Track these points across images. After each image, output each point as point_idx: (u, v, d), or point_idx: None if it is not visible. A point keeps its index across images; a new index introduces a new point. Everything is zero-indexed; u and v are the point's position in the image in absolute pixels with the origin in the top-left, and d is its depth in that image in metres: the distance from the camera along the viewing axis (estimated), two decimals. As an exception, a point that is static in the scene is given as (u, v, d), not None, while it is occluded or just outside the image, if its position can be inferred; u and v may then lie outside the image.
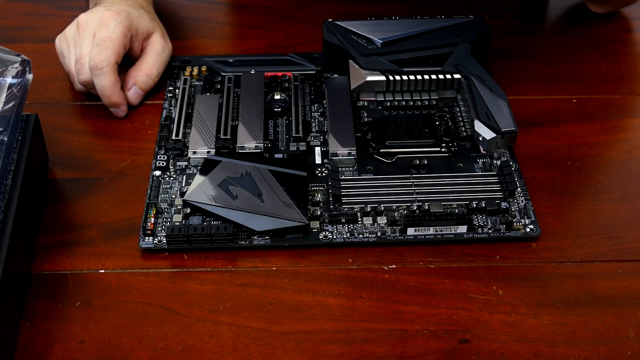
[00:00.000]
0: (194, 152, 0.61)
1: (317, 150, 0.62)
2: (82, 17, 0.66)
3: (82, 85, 0.67)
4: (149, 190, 0.58)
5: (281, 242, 0.55)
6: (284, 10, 0.79)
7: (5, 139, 0.53)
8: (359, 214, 0.57)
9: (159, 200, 0.58)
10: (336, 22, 0.68)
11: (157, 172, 0.60)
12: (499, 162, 0.60)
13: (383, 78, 0.65)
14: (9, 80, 0.55)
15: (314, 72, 0.69)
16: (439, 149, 0.61)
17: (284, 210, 0.55)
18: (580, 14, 0.78)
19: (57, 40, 0.68)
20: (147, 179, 0.60)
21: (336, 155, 0.60)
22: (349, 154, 0.60)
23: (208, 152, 0.60)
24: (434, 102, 0.65)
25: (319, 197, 0.58)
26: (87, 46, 0.65)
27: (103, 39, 0.64)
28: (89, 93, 0.67)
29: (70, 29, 0.67)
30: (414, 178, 0.59)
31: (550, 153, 0.63)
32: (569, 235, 0.56)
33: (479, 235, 0.55)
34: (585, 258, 0.55)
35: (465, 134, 0.63)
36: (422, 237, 0.55)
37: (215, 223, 0.56)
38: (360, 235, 0.56)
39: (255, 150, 0.61)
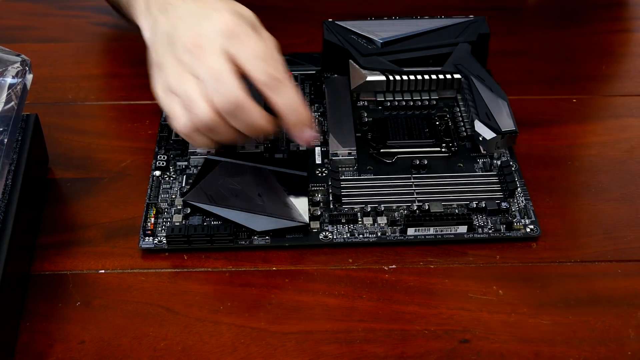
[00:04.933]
0: (194, 152, 0.61)
1: (317, 150, 0.62)
2: (202, 30, 0.51)
3: (210, 125, 0.51)
4: (149, 190, 0.58)
5: (281, 242, 0.55)
6: (284, 10, 0.79)
7: (5, 139, 0.53)
8: (359, 214, 0.57)
9: (159, 200, 0.58)
10: (336, 22, 0.68)
11: (157, 172, 0.60)
12: (499, 162, 0.60)
13: (383, 78, 0.65)
14: (9, 80, 0.55)
15: (314, 72, 0.69)
16: (439, 149, 0.61)
17: (284, 210, 0.55)
18: (581, 14, 0.78)
19: (157, 88, 0.54)
20: (147, 179, 0.60)
21: (336, 155, 0.60)
22: (349, 154, 0.60)
23: (208, 152, 0.60)
24: (434, 102, 0.65)
25: (319, 197, 0.58)
26: (217, 62, 0.50)
27: (269, 48, 0.52)
28: (88, 93, 0.67)
29: (169, 53, 0.52)
30: (414, 178, 0.59)
31: (550, 153, 0.63)
32: (569, 235, 0.56)
33: (479, 235, 0.55)
34: (585, 258, 0.55)
35: (465, 134, 0.63)
36: (422, 237, 0.55)
37: (215, 223, 0.56)
38: (360, 235, 0.56)
39: (256, 150, 0.61)
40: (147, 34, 0.56)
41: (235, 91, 0.49)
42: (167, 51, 0.53)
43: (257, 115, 0.51)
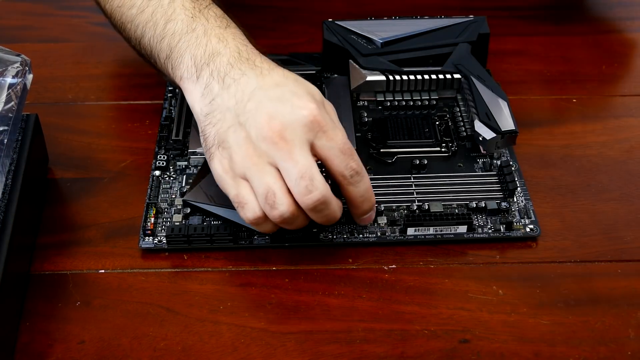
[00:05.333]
0: (194, 152, 0.61)
1: (317, 150, 0.62)
2: (272, 121, 0.48)
3: (292, 216, 0.49)
4: (149, 190, 0.58)
5: (281, 242, 0.55)
6: (284, 10, 0.79)
7: (6, 139, 0.53)
8: (359, 214, 0.57)
9: (159, 200, 0.58)
10: (336, 22, 0.68)
11: (157, 172, 0.60)
12: (499, 162, 0.60)
13: (383, 78, 0.65)
14: (9, 80, 0.55)
15: (314, 72, 0.69)
16: (439, 149, 0.61)
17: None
18: (580, 14, 0.78)
19: (218, 167, 0.51)
20: (147, 179, 0.60)
21: (336, 155, 0.60)
22: (349, 154, 0.60)
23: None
24: (434, 102, 0.65)
25: (319, 197, 0.58)
26: (304, 157, 0.48)
27: (347, 139, 0.51)
28: (88, 93, 0.67)
29: (247, 141, 0.49)
30: (414, 178, 0.59)
31: (550, 153, 0.63)
32: (569, 235, 0.56)
33: (479, 235, 0.55)
34: (585, 258, 0.55)
35: (465, 134, 0.63)
36: (422, 237, 0.55)
37: (215, 223, 0.56)
38: (360, 235, 0.56)
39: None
40: (196, 102, 0.52)
41: (324, 189, 0.48)
42: (232, 130, 0.50)
43: (337, 208, 0.50)
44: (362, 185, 0.51)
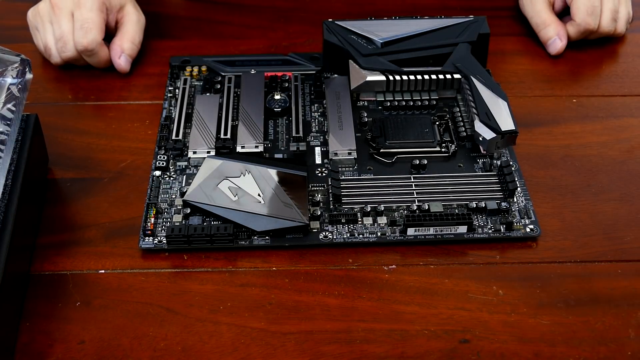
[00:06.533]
0: (194, 152, 0.61)
1: (317, 150, 0.62)
2: None
3: (62, 60, 0.70)
4: (149, 190, 0.58)
5: (281, 242, 0.55)
6: (284, 10, 0.79)
7: (6, 139, 0.53)
8: (359, 214, 0.57)
9: (159, 200, 0.58)
10: (336, 22, 0.68)
11: (157, 172, 0.60)
12: (499, 162, 0.60)
13: (383, 78, 0.65)
14: (9, 80, 0.55)
15: (314, 72, 0.69)
16: (439, 149, 0.61)
17: (284, 210, 0.55)
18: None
19: (30, 14, 0.71)
20: (147, 179, 0.60)
21: (336, 155, 0.61)
22: (349, 154, 0.60)
23: (208, 152, 0.61)
24: (434, 102, 0.65)
25: (319, 197, 0.58)
26: (66, 25, 0.68)
27: (85, 21, 0.67)
28: (88, 93, 0.67)
29: (44, 6, 0.69)
30: (414, 178, 0.59)
31: (550, 153, 0.63)
32: (569, 235, 0.56)
33: (479, 235, 0.55)
34: (585, 258, 0.55)
35: (465, 134, 0.63)
36: (422, 237, 0.55)
37: (215, 223, 0.56)
38: (360, 235, 0.56)
39: (255, 150, 0.61)
40: None
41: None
42: None
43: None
44: (92, 60, 0.69)
